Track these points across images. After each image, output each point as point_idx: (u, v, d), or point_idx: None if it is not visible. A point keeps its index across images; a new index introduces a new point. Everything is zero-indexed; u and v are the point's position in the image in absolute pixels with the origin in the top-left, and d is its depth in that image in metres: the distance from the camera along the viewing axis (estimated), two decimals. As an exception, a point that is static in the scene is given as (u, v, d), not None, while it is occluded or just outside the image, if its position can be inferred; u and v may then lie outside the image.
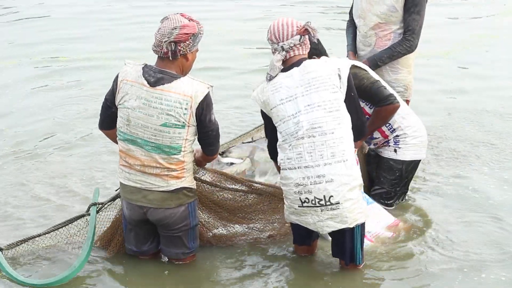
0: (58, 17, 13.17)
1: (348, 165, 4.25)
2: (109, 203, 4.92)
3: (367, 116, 4.98)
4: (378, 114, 4.89)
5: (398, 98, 4.92)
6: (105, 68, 9.43)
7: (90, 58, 10.17)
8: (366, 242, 4.73)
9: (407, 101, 5.65)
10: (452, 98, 8.25)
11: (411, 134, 5.17)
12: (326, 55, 4.89)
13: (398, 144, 5.19)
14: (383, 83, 4.95)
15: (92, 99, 8.16)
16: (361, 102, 4.81)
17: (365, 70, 4.95)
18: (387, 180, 5.27)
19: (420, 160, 5.31)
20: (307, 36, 4.42)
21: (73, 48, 10.79)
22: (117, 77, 4.43)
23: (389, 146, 5.22)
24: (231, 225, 5.00)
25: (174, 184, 4.42)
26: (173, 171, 4.39)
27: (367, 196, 5.04)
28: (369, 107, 5.03)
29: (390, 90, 4.95)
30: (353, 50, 5.76)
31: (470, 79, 9.01)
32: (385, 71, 5.55)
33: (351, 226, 4.31)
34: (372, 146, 5.33)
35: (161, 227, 4.55)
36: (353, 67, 4.85)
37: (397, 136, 5.17)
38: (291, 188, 4.34)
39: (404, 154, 5.21)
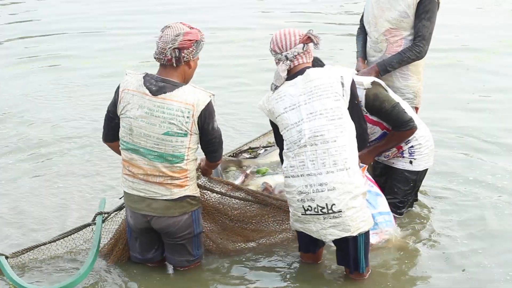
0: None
1: (350, 173, 4.42)
2: (115, 213, 5.12)
3: (371, 124, 5.15)
4: (394, 136, 5.16)
5: (414, 118, 5.17)
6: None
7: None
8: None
9: (416, 109, 5.82)
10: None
11: (424, 144, 5.35)
12: None
13: (413, 155, 5.36)
14: (402, 105, 5.16)
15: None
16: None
17: (386, 90, 5.17)
18: (402, 190, 5.46)
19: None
20: (310, 44, 4.60)
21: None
22: (118, 87, 4.62)
23: (404, 157, 5.39)
24: (235, 236, 5.19)
25: (178, 193, 4.60)
26: (176, 179, 4.58)
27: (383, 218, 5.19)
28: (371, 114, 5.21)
29: (409, 112, 5.16)
30: (363, 56, 5.93)
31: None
32: (395, 77, 5.72)
33: (354, 234, 4.48)
34: (383, 158, 5.49)
35: (165, 235, 4.73)
36: (375, 85, 5.08)
37: (412, 147, 5.34)
38: (294, 196, 4.53)
39: (419, 164, 5.39)
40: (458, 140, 7.32)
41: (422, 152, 5.37)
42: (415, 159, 5.37)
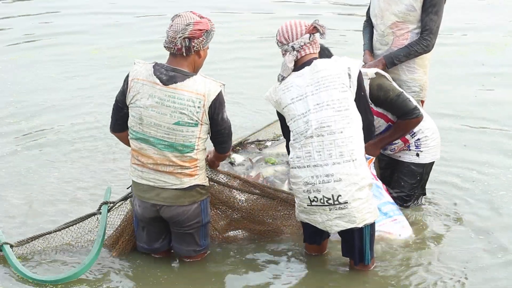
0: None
1: (357, 165, 4.50)
2: (120, 202, 5.19)
3: (375, 116, 5.22)
4: (401, 126, 5.21)
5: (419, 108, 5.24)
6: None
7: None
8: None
9: (422, 102, 5.91)
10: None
11: (430, 136, 5.45)
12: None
13: (420, 148, 5.46)
14: (407, 94, 5.23)
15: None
16: None
17: (389, 80, 5.23)
18: (408, 184, 5.57)
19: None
20: (316, 35, 4.67)
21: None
22: (127, 76, 4.68)
23: (410, 150, 5.50)
24: (241, 227, 5.28)
25: (188, 182, 4.67)
26: (187, 169, 4.65)
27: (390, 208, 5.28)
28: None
29: (414, 102, 5.24)
30: (370, 49, 6.00)
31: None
32: (401, 71, 5.79)
33: (360, 226, 4.56)
34: (389, 152, 5.55)
35: (173, 224, 4.80)
36: (379, 76, 5.15)
37: (418, 139, 5.44)
38: (300, 186, 4.60)
39: (426, 157, 5.50)
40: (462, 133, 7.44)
41: (429, 144, 5.46)
42: (421, 151, 5.46)
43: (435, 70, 7.76)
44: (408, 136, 5.42)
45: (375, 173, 5.43)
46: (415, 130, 5.37)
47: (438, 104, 7.82)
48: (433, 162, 5.58)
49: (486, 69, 9.50)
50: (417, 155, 5.48)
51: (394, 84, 5.33)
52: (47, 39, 11.09)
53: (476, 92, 8.60)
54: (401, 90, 5.23)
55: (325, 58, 4.80)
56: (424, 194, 5.78)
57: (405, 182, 5.56)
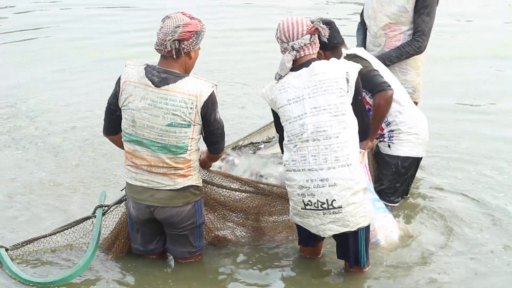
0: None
1: (352, 170, 4.49)
2: (115, 206, 5.19)
3: (367, 106, 5.24)
4: (374, 104, 5.19)
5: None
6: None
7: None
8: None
9: (416, 103, 5.91)
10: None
11: (405, 130, 5.43)
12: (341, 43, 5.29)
13: (392, 140, 5.48)
14: (381, 72, 5.22)
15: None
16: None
17: (366, 60, 5.23)
18: (385, 176, 5.56)
19: (419, 158, 5.58)
20: (316, 35, 4.64)
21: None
22: (119, 79, 4.68)
23: (384, 141, 5.51)
24: (236, 226, 5.28)
25: (181, 183, 4.69)
26: (180, 169, 4.66)
27: (381, 204, 5.29)
28: (369, 97, 5.28)
29: (387, 79, 5.21)
30: (363, 50, 6.04)
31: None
32: (394, 72, 5.80)
33: (353, 229, 4.56)
34: None
35: (168, 225, 4.81)
36: (354, 56, 5.15)
37: (391, 131, 5.45)
38: (295, 189, 4.60)
39: (398, 149, 5.48)
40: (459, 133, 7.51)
41: (402, 138, 5.45)
42: (393, 143, 5.47)
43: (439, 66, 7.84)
44: (383, 125, 5.41)
45: (368, 165, 5.40)
46: (390, 120, 5.38)
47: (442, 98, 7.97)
48: (412, 158, 5.51)
49: (490, 67, 9.60)
50: (389, 146, 5.48)
51: (375, 65, 5.28)
52: (44, 37, 11.15)
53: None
54: (375, 68, 5.20)
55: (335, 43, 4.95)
56: (407, 189, 5.77)
57: (382, 174, 5.56)
